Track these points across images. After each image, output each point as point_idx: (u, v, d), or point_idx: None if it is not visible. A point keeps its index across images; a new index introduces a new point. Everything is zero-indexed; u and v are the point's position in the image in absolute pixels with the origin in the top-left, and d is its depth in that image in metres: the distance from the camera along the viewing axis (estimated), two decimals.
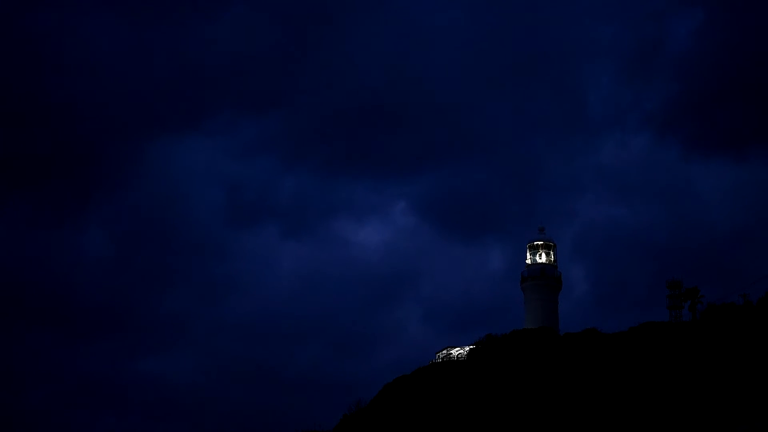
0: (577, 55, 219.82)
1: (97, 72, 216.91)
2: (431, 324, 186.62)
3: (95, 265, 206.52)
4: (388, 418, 73.39)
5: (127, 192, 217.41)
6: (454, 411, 69.81)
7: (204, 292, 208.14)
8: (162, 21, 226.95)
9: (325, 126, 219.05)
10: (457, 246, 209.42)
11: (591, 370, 68.24)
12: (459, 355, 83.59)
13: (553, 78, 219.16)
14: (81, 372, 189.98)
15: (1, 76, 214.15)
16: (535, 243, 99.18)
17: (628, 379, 65.29)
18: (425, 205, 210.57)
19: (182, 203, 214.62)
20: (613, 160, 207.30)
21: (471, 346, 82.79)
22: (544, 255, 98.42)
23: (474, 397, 70.38)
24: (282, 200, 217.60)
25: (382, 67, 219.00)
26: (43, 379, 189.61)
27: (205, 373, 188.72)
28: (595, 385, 66.28)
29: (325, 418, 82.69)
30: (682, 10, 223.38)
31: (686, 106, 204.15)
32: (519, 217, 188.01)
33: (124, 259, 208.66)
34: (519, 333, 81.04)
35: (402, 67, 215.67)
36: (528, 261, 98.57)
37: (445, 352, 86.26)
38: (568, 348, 73.10)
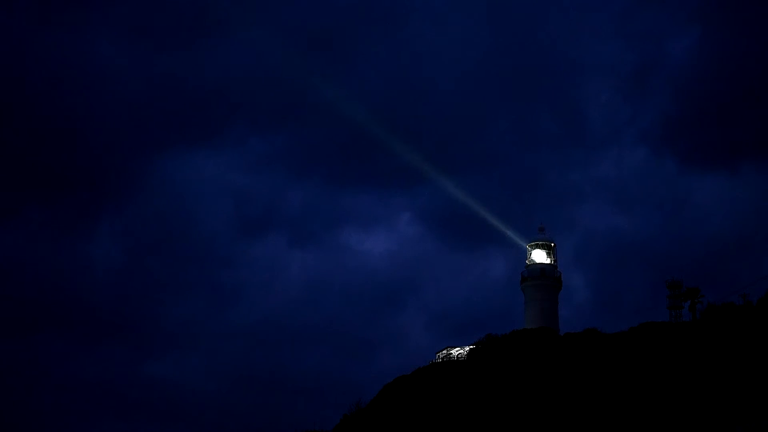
0: (577, 72, 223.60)
1: (110, 87, 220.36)
2: (433, 330, 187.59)
3: (106, 273, 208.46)
4: (388, 418, 73.39)
5: (137, 203, 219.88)
6: (454, 411, 69.79)
7: (212, 299, 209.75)
8: (174, 39, 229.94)
9: (332, 139, 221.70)
10: (460, 255, 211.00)
11: (591, 370, 68.24)
12: (459, 355, 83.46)
13: (553, 94, 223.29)
14: (90, 377, 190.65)
15: (17, 92, 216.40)
16: (535, 243, 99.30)
17: (628, 379, 65.27)
18: (429, 216, 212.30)
19: (192, 214, 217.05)
20: (611, 173, 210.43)
21: (471, 346, 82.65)
22: (544, 255, 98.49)
23: (474, 397, 70.36)
24: (289, 211, 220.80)
25: (386, 82, 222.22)
26: (53, 384, 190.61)
27: (211, 377, 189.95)
28: (595, 385, 66.27)
29: (326, 419, 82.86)
30: (679, 29, 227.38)
31: (682, 121, 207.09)
32: (520, 227, 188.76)
33: (134, 268, 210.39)
34: (519, 333, 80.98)
35: (406, 83, 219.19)
36: (528, 261, 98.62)
37: (445, 352, 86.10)
38: (569, 348, 73.10)
